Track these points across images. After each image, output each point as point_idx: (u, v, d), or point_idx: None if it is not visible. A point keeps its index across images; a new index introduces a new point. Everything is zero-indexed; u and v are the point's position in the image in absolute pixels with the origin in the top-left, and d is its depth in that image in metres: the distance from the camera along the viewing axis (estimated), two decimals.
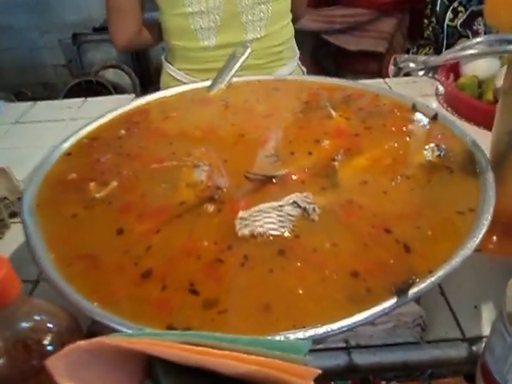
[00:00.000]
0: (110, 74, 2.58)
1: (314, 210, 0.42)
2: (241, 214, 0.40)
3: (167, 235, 0.40)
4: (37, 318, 0.29)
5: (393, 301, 0.32)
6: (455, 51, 1.08)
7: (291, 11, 1.07)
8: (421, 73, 1.22)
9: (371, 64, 1.74)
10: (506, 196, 0.47)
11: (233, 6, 0.97)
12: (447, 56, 1.09)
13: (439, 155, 0.49)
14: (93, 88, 2.44)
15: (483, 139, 0.51)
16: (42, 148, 0.81)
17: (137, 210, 0.44)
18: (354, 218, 0.41)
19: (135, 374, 0.25)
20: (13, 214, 0.65)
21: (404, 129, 0.56)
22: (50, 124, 0.93)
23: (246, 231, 0.39)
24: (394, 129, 0.56)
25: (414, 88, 1.02)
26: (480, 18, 1.34)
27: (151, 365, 0.26)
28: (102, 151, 0.54)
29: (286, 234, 0.39)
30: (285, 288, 0.34)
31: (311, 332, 0.30)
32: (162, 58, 1.13)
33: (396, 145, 0.52)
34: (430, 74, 1.15)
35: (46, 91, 2.72)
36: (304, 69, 1.18)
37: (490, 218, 0.39)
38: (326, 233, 0.39)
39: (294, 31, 1.12)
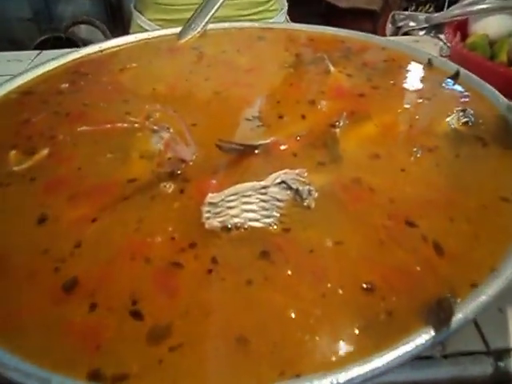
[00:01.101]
0: (82, 31, 2.37)
1: (309, 193, 0.31)
2: (210, 197, 0.29)
3: (106, 226, 0.29)
4: None
5: (427, 334, 0.22)
6: (463, 6, 0.95)
7: None
8: (422, 32, 1.09)
9: (364, 24, 1.60)
10: None
11: None
12: (454, 12, 0.96)
13: (467, 122, 0.38)
14: (62, 45, 2.24)
15: None
16: None
17: (69, 188, 0.32)
18: (364, 205, 0.30)
19: None
20: None
21: (420, 89, 0.45)
22: None
23: (216, 222, 0.28)
24: (406, 88, 0.45)
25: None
26: None
27: None
28: (34, 109, 0.42)
29: (272, 228, 0.28)
30: (269, 310, 0.24)
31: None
32: (131, 6, 0.98)
33: (411, 109, 0.41)
34: (433, 34, 1.03)
35: (11, 47, 2.50)
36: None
37: None
38: (327, 226, 0.29)
39: None
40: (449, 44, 0.83)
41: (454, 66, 0.47)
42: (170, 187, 0.32)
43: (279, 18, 0.98)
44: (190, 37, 0.55)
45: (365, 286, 0.25)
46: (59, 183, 0.32)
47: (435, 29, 1.02)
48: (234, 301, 0.24)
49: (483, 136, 0.37)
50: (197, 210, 0.29)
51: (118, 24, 2.41)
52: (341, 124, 0.38)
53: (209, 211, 0.29)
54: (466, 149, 0.36)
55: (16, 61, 0.86)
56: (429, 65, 0.48)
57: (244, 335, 0.22)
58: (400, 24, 1.05)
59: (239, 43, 0.55)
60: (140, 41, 0.56)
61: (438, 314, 0.22)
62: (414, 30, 1.02)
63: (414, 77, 0.47)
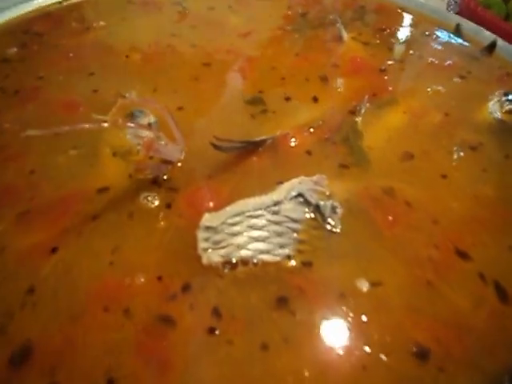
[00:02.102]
0: None
1: (333, 210, 0.24)
2: (207, 219, 0.22)
3: (69, 260, 0.22)
4: None
5: None
6: None
7: None
8: None
9: None
10: None
11: None
12: None
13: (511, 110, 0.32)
14: None
15: None
16: None
17: (19, 202, 0.24)
18: (402, 228, 0.24)
19: None
20: None
21: (449, 63, 0.37)
22: None
23: (217, 256, 0.22)
24: (434, 62, 0.37)
25: None
26: None
27: None
28: None
29: (290, 262, 0.22)
30: None
31: None
32: None
33: (443, 90, 0.34)
34: None
35: None
36: None
37: None
38: (359, 258, 0.22)
39: None
40: None
41: (488, 35, 0.39)
42: (153, 200, 0.25)
43: None
44: None
45: (415, 349, 0.19)
46: (5, 194, 0.25)
47: None
48: (246, 375, 0.18)
49: None
50: (189, 235, 0.22)
51: None
52: (362, 110, 0.31)
53: (206, 239, 0.22)
54: None
55: None
56: (457, 32, 0.41)
57: None
58: None
59: None
60: None
61: None
62: None
63: (442, 47, 0.39)
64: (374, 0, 0.46)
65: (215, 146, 0.26)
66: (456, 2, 0.77)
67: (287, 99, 0.32)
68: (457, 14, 0.73)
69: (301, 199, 0.24)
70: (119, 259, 0.22)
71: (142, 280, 0.21)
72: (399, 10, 0.44)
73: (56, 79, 0.33)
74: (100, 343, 0.19)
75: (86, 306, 0.20)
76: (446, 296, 0.21)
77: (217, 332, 0.19)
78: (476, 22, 0.69)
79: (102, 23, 0.40)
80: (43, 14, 0.41)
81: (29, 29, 0.39)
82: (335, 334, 0.20)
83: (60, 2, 0.42)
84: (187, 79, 0.34)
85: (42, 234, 0.23)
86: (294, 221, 0.24)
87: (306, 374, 0.18)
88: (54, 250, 0.22)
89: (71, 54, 0.36)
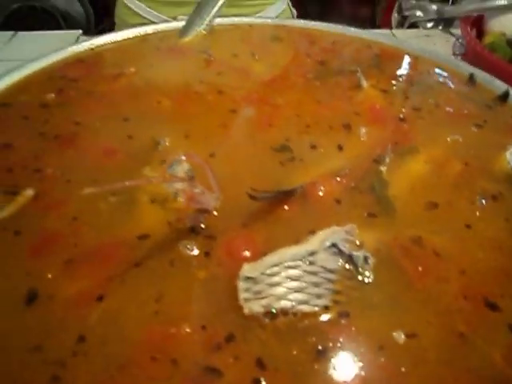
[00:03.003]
0: (59, 1, 2.20)
1: (365, 260, 0.25)
2: (246, 270, 0.23)
3: (116, 308, 0.23)
4: None
5: None
6: (480, 1, 0.88)
7: None
8: (430, 24, 1.02)
9: (362, 9, 1.53)
10: None
11: None
12: (469, 7, 0.90)
13: None
14: (37, 16, 2.08)
15: None
16: None
17: (64, 248, 0.25)
18: (432, 279, 0.25)
19: None
20: None
21: (465, 112, 0.39)
22: None
23: (258, 306, 0.23)
24: (450, 111, 0.39)
25: (427, 44, 0.84)
26: None
27: None
28: (14, 128, 0.34)
29: (327, 315, 0.23)
30: None
31: None
32: None
33: (460, 139, 0.36)
34: (441, 27, 0.97)
35: None
36: (294, 11, 0.97)
37: None
38: (393, 310, 0.23)
39: None
40: (463, 41, 0.78)
41: (500, 85, 0.41)
42: (192, 248, 0.26)
43: (281, 5, 0.91)
44: (194, 34, 0.48)
45: None
46: (50, 241, 0.26)
47: (444, 22, 0.97)
48: None
49: None
50: (229, 284, 0.23)
51: None
52: (386, 159, 0.32)
53: (247, 289, 0.23)
54: None
55: None
56: (471, 81, 0.43)
57: None
58: (406, 13, 0.99)
59: (253, 44, 0.48)
60: (137, 38, 0.48)
61: None
62: (421, 21, 0.96)
63: (457, 96, 0.41)
64: (389, 48, 0.48)
65: (251, 196, 0.27)
66: (462, 45, 0.80)
67: (313, 147, 0.34)
68: (463, 55, 0.76)
69: (334, 249, 0.25)
70: (163, 308, 0.23)
71: (187, 330, 0.22)
72: (414, 58, 0.46)
73: (92, 125, 0.35)
74: None
75: (134, 355, 0.21)
76: (478, 348, 0.22)
77: (263, 383, 0.20)
78: (482, 65, 0.72)
79: (132, 69, 0.42)
80: (77, 61, 0.43)
81: (65, 75, 0.41)
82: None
83: (92, 49, 0.45)
84: (216, 125, 0.36)
85: (87, 281, 0.24)
86: (329, 271, 0.25)
87: None
88: (100, 298, 0.23)
89: (105, 100, 0.38)
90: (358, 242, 0.26)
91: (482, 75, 0.43)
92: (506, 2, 0.79)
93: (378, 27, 1.42)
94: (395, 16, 1.05)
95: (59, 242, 0.26)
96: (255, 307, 0.23)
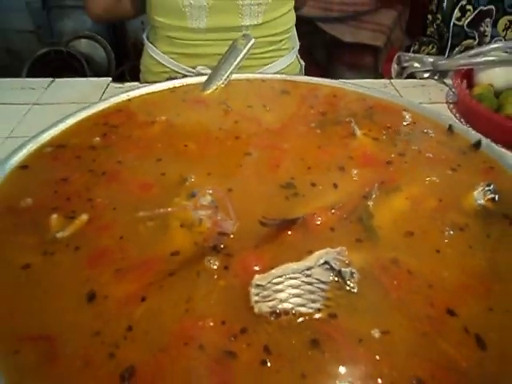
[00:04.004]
0: (83, 46, 2.37)
1: (351, 275, 0.32)
2: (257, 279, 0.30)
3: (156, 307, 0.29)
4: None
5: None
6: (469, 56, 0.98)
7: None
8: (426, 74, 1.12)
9: (367, 58, 1.64)
10: None
11: None
12: (460, 61, 0.99)
13: (493, 199, 0.40)
14: (63, 59, 2.24)
15: None
16: None
17: (114, 261, 0.32)
18: (405, 291, 0.31)
19: None
20: None
21: (443, 157, 0.46)
22: (8, 108, 0.78)
23: (266, 307, 0.29)
24: (430, 156, 0.46)
25: (423, 93, 0.93)
26: (488, 19, 1.26)
27: None
28: (69, 166, 0.42)
29: (319, 314, 0.29)
30: None
31: None
32: (144, 37, 1.00)
33: (437, 180, 0.43)
34: (436, 77, 1.06)
35: (9, 58, 2.49)
36: (302, 63, 1.07)
37: None
38: (371, 312, 0.30)
39: (295, 19, 1.00)
40: (456, 91, 0.86)
41: (475, 135, 0.49)
42: (214, 263, 0.33)
43: (290, 57, 1.00)
44: (214, 88, 0.57)
45: (415, 382, 0.26)
46: (103, 255, 0.33)
47: (439, 73, 1.05)
48: None
49: (509, 213, 0.38)
50: (243, 290, 0.30)
51: (121, 40, 2.42)
52: (373, 196, 0.39)
53: (257, 294, 0.29)
54: (495, 227, 0.37)
55: (29, 88, 0.86)
56: (450, 131, 0.50)
57: None
58: (405, 65, 1.08)
59: (265, 97, 0.56)
60: (165, 90, 0.57)
61: None
62: (418, 71, 1.05)
63: (437, 143, 0.48)
64: (381, 101, 0.56)
65: (262, 223, 0.34)
66: (455, 94, 0.88)
67: (313, 185, 0.41)
68: (455, 104, 0.84)
69: (327, 266, 0.32)
70: (192, 307, 0.29)
71: (211, 324, 0.28)
72: (403, 111, 0.54)
73: (132, 164, 0.43)
74: (184, 368, 0.26)
75: (171, 341, 0.27)
76: (438, 343, 0.28)
77: (268, 364, 0.26)
78: (470, 114, 0.80)
79: (163, 118, 0.51)
80: (116, 110, 0.51)
81: (107, 122, 0.49)
82: (356, 368, 0.26)
83: (129, 99, 0.53)
84: (233, 166, 0.43)
85: (133, 286, 0.31)
86: (322, 282, 0.31)
87: None
88: (143, 299, 0.30)
89: (141, 143, 0.46)
90: (346, 261, 0.33)
91: (459, 126, 0.50)
92: (492, 58, 0.88)
93: (380, 75, 1.53)
94: (395, 67, 1.14)
95: (110, 256, 0.33)
96: (263, 308, 0.29)
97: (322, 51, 1.72)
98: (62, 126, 0.47)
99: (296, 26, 1.06)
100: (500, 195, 0.40)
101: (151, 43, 0.96)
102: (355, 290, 0.31)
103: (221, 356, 0.27)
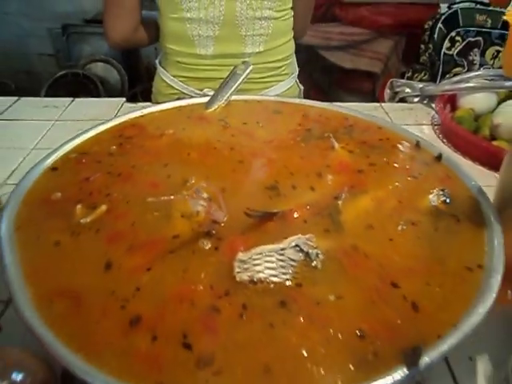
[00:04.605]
0: (99, 69, 2.50)
1: (317, 255, 0.39)
2: (240, 256, 0.38)
3: (159, 274, 0.37)
4: (13, 376, 0.26)
5: (402, 371, 0.30)
6: (453, 83, 1.07)
7: (293, 29, 1.06)
8: (416, 99, 1.21)
9: (365, 83, 1.74)
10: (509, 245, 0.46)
11: (232, 18, 0.94)
12: (445, 87, 1.09)
13: (445, 201, 0.48)
14: (79, 81, 2.37)
15: (478, 175, 0.50)
16: (24, 149, 0.77)
17: (127, 240, 0.40)
18: (360, 269, 0.39)
19: None
20: None
21: (407, 167, 0.54)
22: (34, 123, 0.88)
23: (245, 276, 0.37)
24: (397, 166, 0.54)
25: (410, 115, 1.01)
26: (476, 49, 1.36)
27: None
28: (91, 168, 0.50)
29: (288, 283, 0.37)
30: (287, 347, 0.32)
31: None
32: (156, 62, 1.10)
33: (400, 185, 0.50)
34: (425, 101, 1.15)
35: (29, 79, 2.63)
36: (301, 87, 1.16)
37: (500, 278, 0.37)
38: (330, 283, 0.37)
39: (294, 48, 1.10)
40: (439, 114, 0.95)
41: (437, 149, 0.56)
42: (207, 244, 0.40)
43: (289, 82, 1.09)
44: (216, 107, 0.65)
45: (358, 333, 0.33)
46: (118, 236, 0.41)
47: (428, 98, 1.14)
48: (260, 340, 0.32)
49: (457, 214, 0.46)
50: (229, 265, 0.38)
51: (134, 64, 2.56)
52: (343, 197, 0.47)
53: (239, 267, 0.37)
54: (442, 223, 0.45)
55: (52, 107, 0.96)
56: (417, 146, 0.58)
57: (268, 365, 0.30)
58: (397, 90, 1.17)
59: (258, 115, 0.65)
60: (173, 108, 0.65)
61: (412, 357, 0.30)
62: (410, 96, 1.14)
63: (404, 156, 0.56)
64: (360, 119, 0.64)
65: (247, 214, 0.42)
66: (439, 116, 0.97)
67: (293, 187, 0.49)
68: (439, 125, 0.92)
69: (298, 248, 0.39)
70: (188, 276, 0.37)
71: (201, 288, 0.36)
72: (377, 128, 0.62)
73: (143, 168, 0.51)
74: (179, 318, 0.33)
75: (169, 299, 0.35)
76: (381, 307, 0.35)
77: (244, 317, 0.34)
78: (452, 134, 0.88)
79: (170, 131, 0.59)
80: (132, 123, 0.60)
81: (123, 134, 0.58)
82: (313, 321, 0.34)
83: (142, 116, 0.62)
84: (228, 171, 0.52)
85: (141, 259, 0.38)
86: (293, 260, 0.39)
87: (295, 340, 0.32)
88: (148, 269, 0.38)
89: (151, 152, 0.54)
90: (314, 245, 0.40)
91: (425, 142, 0.58)
92: (473, 85, 0.97)
93: (377, 99, 1.62)
94: (387, 92, 1.23)
95: (123, 236, 0.41)
96: (243, 277, 0.37)
97: (323, 76, 1.82)
98: (84, 137, 0.56)
99: (299, 52, 1.15)
100: (451, 199, 0.48)
101: (163, 68, 1.06)
102: (319, 267, 0.38)
103: (208, 311, 0.34)
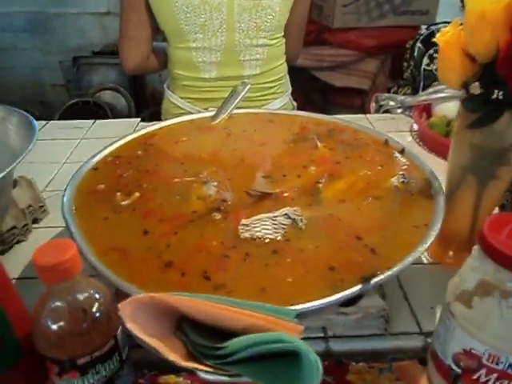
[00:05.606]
0: (107, 96, 2.68)
1: (301, 220, 0.52)
2: (243, 221, 0.51)
3: (183, 236, 0.50)
4: (90, 290, 0.38)
5: (358, 287, 0.42)
6: (428, 94, 1.22)
7: (286, 54, 1.21)
8: (399, 110, 1.36)
9: (355, 99, 1.89)
10: (458, 219, 0.59)
11: (232, 46, 1.09)
12: (421, 97, 1.24)
13: (403, 182, 0.60)
14: (89, 108, 2.53)
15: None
16: (58, 163, 0.91)
17: (157, 215, 0.54)
18: (333, 228, 0.51)
19: (171, 326, 0.34)
20: (35, 220, 0.73)
21: (377, 159, 0.67)
22: (64, 142, 1.03)
23: (247, 234, 0.49)
24: (368, 159, 0.67)
25: (392, 124, 1.15)
26: None
27: (180, 322, 0.35)
28: (124, 168, 0.64)
29: (279, 238, 0.50)
30: (277, 277, 0.44)
31: (297, 307, 0.40)
32: (164, 86, 1.24)
33: (369, 172, 0.63)
34: (407, 112, 1.29)
35: (43, 109, 2.81)
36: (295, 103, 1.30)
37: (437, 231, 0.50)
38: (311, 238, 0.50)
39: (287, 70, 1.25)
40: (415, 121, 1.08)
41: (401, 145, 0.70)
42: (217, 216, 0.53)
43: (284, 99, 1.24)
44: (220, 119, 0.79)
45: (330, 268, 0.45)
46: (150, 213, 0.54)
47: (408, 108, 1.28)
48: (259, 273, 0.45)
49: (411, 190, 0.59)
50: (235, 229, 0.51)
51: (140, 91, 2.73)
52: (323, 181, 0.60)
53: (242, 228, 0.50)
54: (399, 197, 0.58)
55: (77, 128, 1.10)
56: (385, 143, 0.71)
57: (265, 288, 0.43)
58: (381, 103, 1.31)
59: (255, 124, 0.79)
60: (185, 121, 0.79)
61: (366, 279, 0.43)
62: (393, 108, 1.28)
63: (375, 151, 0.69)
64: (340, 124, 0.78)
65: (248, 194, 0.55)
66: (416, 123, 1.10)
67: (284, 176, 0.62)
68: (416, 131, 1.06)
69: (287, 216, 0.52)
70: (204, 236, 0.50)
71: (215, 243, 0.49)
72: (353, 131, 0.76)
73: (164, 166, 0.65)
74: (200, 262, 0.46)
75: (192, 251, 0.48)
76: (347, 252, 0.48)
77: (246, 261, 0.46)
78: (426, 138, 1.01)
79: (184, 138, 0.73)
80: (153, 134, 0.74)
81: (146, 142, 0.71)
82: (296, 262, 0.46)
83: (160, 128, 0.76)
84: (232, 166, 0.65)
85: (169, 227, 0.51)
86: (283, 224, 0.51)
87: (284, 273, 0.45)
88: (175, 233, 0.51)
89: (170, 154, 0.68)
90: (299, 214, 0.53)
91: (392, 140, 0.72)
92: (444, 95, 1.10)
93: (367, 113, 1.76)
94: (373, 105, 1.37)
95: (154, 213, 0.54)
96: (246, 234, 0.49)
97: (317, 94, 1.98)
98: (116, 145, 0.69)
99: (293, 73, 1.30)
100: (409, 180, 0.61)
101: (171, 91, 1.21)
102: (303, 228, 0.51)
103: (220, 257, 0.47)
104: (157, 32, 1.14)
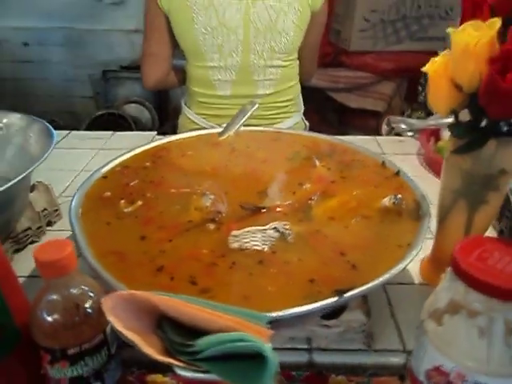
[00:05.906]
0: (132, 109, 2.78)
1: (289, 234, 0.55)
2: (233, 232, 0.54)
3: (177, 243, 0.54)
4: (84, 287, 0.42)
5: (334, 299, 0.44)
6: (437, 118, 1.24)
7: (299, 75, 1.25)
8: (410, 133, 1.38)
9: (370, 121, 1.91)
10: (449, 242, 0.60)
11: (247, 66, 1.15)
12: (430, 122, 1.26)
13: (394, 203, 0.63)
14: (114, 120, 2.63)
15: None
16: (75, 171, 0.96)
17: (156, 223, 0.57)
18: (319, 244, 0.54)
19: (151, 324, 0.37)
20: (49, 223, 0.78)
21: (371, 180, 0.70)
22: (83, 151, 1.09)
23: (236, 245, 0.53)
24: (364, 179, 0.70)
25: (400, 146, 1.17)
26: None
27: (161, 321, 0.39)
28: (131, 177, 0.69)
29: (266, 250, 0.53)
30: (260, 286, 0.47)
31: (272, 314, 0.42)
32: (182, 102, 1.30)
33: (362, 192, 0.66)
34: (416, 135, 1.31)
35: (71, 119, 2.93)
36: (307, 123, 1.34)
37: (417, 251, 0.52)
38: (296, 252, 0.53)
39: (300, 90, 1.29)
40: (422, 145, 1.10)
41: (396, 167, 0.72)
42: (211, 226, 0.57)
43: (296, 118, 1.28)
44: (227, 136, 0.83)
45: (310, 280, 0.48)
46: (150, 220, 0.58)
47: (418, 131, 1.30)
48: (243, 281, 0.48)
49: (401, 210, 0.61)
50: (226, 239, 0.54)
51: (164, 105, 2.83)
52: (315, 199, 0.63)
53: (233, 239, 0.53)
54: (388, 217, 0.60)
55: (97, 139, 1.16)
56: (382, 164, 0.74)
57: (246, 296, 0.46)
58: (393, 125, 1.33)
59: (260, 142, 0.82)
60: (194, 136, 0.84)
61: (342, 293, 0.45)
62: (404, 131, 1.30)
63: (371, 172, 0.72)
64: (341, 145, 0.81)
65: (242, 207, 0.58)
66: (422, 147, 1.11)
67: (279, 192, 0.65)
68: (423, 154, 1.07)
69: (276, 229, 0.55)
70: (197, 245, 0.53)
71: (205, 251, 0.52)
72: (353, 151, 0.78)
73: (169, 177, 0.69)
74: (190, 267, 0.49)
75: (184, 257, 0.51)
76: (329, 267, 0.50)
77: (232, 268, 0.49)
78: (432, 162, 1.02)
79: (190, 152, 0.77)
80: (162, 147, 0.78)
81: (155, 154, 0.76)
82: (280, 273, 0.49)
83: (169, 142, 0.81)
84: (231, 180, 0.69)
85: (165, 234, 0.55)
86: (271, 237, 0.54)
87: (267, 282, 0.47)
88: (170, 240, 0.54)
89: (176, 166, 0.72)
90: (288, 228, 0.56)
91: (389, 162, 0.74)
92: (451, 120, 1.12)
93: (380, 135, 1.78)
94: (384, 127, 1.40)
95: (154, 220, 0.58)
96: (235, 245, 0.53)
97: (332, 115, 2.01)
98: (127, 156, 0.74)
99: (310, 93, 1.34)
100: (399, 201, 0.63)
101: (188, 107, 1.26)
102: (291, 242, 0.54)
103: (209, 264, 0.50)
104: (177, 50, 1.20)
